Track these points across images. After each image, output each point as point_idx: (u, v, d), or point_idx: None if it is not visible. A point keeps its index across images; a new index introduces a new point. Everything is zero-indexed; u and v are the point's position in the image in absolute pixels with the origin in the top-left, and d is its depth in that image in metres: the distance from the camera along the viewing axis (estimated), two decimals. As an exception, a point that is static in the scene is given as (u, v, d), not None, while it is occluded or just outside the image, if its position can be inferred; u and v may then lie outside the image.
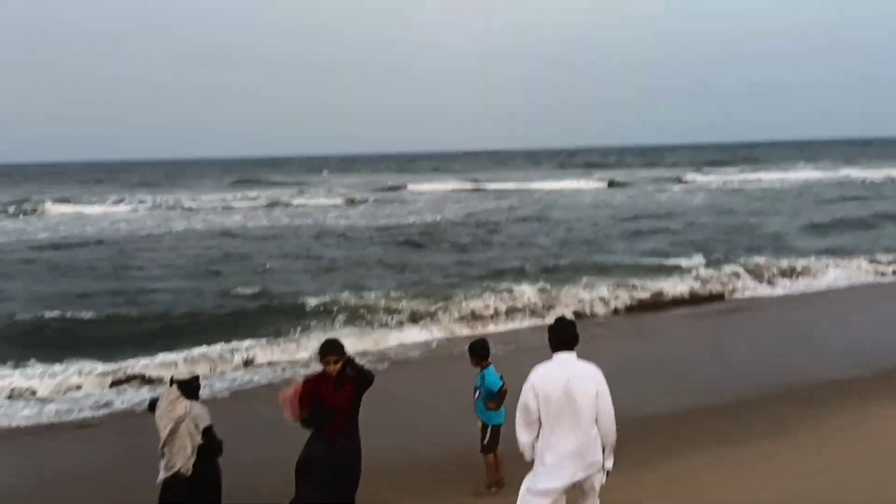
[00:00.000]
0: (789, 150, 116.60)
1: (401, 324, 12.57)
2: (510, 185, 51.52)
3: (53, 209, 39.73)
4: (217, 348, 11.08)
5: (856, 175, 50.25)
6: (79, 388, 9.79)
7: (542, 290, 14.09)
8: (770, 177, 52.01)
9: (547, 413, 4.14)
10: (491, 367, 5.87)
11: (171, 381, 5.02)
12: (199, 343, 11.29)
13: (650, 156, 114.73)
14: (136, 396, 9.29)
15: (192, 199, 45.21)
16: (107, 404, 9.12)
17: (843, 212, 28.16)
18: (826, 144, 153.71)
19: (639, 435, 6.64)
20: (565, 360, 4.20)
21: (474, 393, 5.93)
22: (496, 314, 13.21)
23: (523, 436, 4.28)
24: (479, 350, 5.93)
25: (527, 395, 4.18)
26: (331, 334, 9.63)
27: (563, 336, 4.25)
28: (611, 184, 49.83)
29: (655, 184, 50.09)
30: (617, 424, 4.25)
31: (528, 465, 4.41)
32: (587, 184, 51.11)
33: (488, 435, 5.85)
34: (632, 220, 27.56)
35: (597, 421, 4.15)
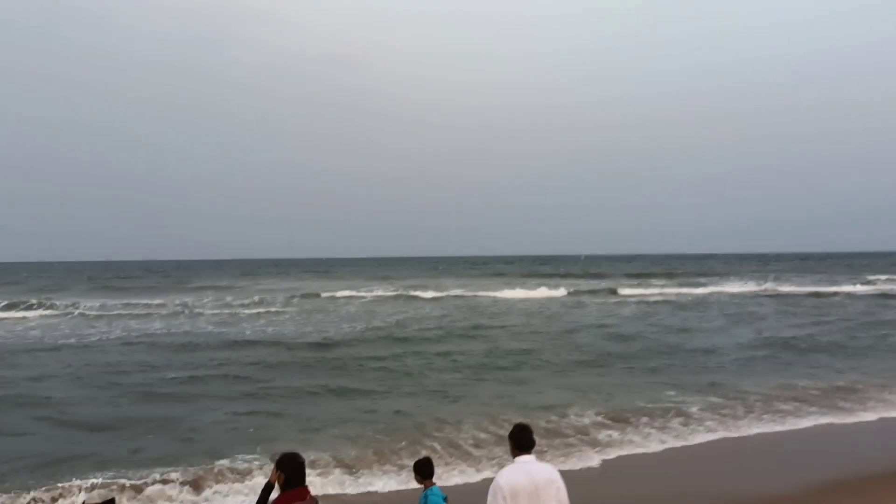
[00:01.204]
0: (717, 263, 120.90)
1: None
2: (442, 294, 50.61)
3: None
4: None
5: (785, 290, 51.53)
6: None
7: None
8: (699, 291, 52.75)
9: None
10: (435, 487, 5.80)
11: None
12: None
13: (580, 265, 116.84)
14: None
15: (109, 303, 42.47)
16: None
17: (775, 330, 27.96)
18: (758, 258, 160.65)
19: None
20: (527, 462, 4.62)
21: None
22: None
23: None
24: (423, 469, 5.85)
25: (495, 497, 4.46)
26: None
27: (524, 441, 4.69)
28: (571, 294, 49.60)
29: (591, 295, 50.02)
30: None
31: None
32: (525, 293, 50.76)
33: None
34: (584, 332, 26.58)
35: None
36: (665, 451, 11.34)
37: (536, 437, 4.94)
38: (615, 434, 12.19)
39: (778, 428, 12.67)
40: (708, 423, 12.94)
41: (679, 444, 11.69)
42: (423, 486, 5.88)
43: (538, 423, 12.42)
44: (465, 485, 9.71)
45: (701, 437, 12.06)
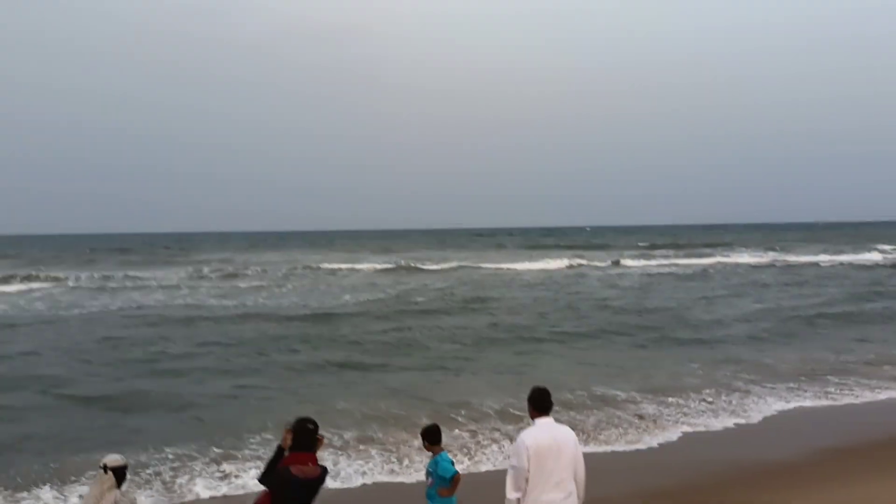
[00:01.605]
0: (724, 233, 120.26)
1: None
2: (443, 266, 50.16)
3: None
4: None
5: (792, 259, 51.11)
6: None
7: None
8: (705, 261, 52.36)
9: (536, 470, 4.57)
10: (444, 454, 5.83)
11: (105, 469, 4.69)
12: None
13: (584, 237, 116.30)
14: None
15: (111, 275, 42.29)
16: None
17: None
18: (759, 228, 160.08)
19: None
20: (546, 424, 4.78)
21: (426, 479, 5.82)
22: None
23: (512, 494, 4.64)
24: (431, 435, 5.87)
25: (520, 456, 4.62)
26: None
27: (543, 403, 4.83)
28: (574, 266, 49.22)
29: (595, 268, 49.52)
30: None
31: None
32: (529, 264, 50.34)
33: None
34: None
35: (575, 475, 4.72)
36: (736, 427, 10.83)
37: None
38: (665, 410, 11.59)
39: (852, 401, 12.29)
40: (758, 397, 12.41)
41: (743, 420, 11.14)
42: (431, 452, 5.88)
43: (566, 396, 11.92)
44: (495, 460, 9.42)
45: (759, 412, 11.50)
